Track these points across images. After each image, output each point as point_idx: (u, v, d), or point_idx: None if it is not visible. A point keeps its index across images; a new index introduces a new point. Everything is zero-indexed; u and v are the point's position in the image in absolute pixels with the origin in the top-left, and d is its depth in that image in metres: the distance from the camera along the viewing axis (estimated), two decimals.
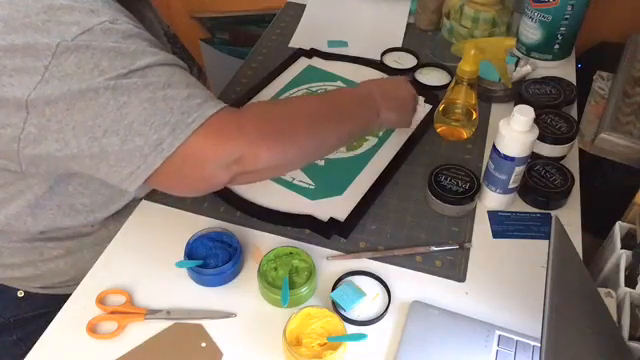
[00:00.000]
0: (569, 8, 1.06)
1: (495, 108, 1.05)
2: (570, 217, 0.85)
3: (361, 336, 0.67)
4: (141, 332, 0.70)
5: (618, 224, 0.91)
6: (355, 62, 1.15)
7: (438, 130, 0.99)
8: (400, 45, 1.20)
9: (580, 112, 1.12)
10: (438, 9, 1.23)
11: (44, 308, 0.84)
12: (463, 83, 0.91)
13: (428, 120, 1.00)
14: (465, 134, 0.97)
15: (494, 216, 0.85)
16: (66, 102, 0.60)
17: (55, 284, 0.86)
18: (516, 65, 1.08)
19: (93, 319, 0.71)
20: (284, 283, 0.72)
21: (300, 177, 0.90)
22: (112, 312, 0.72)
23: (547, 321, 0.51)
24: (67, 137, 0.62)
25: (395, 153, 0.94)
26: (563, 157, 0.93)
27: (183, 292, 0.75)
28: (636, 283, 0.80)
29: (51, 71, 0.60)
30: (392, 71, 1.12)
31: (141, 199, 0.87)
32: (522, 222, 0.84)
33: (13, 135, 0.63)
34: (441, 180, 0.85)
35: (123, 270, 0.77)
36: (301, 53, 1.16)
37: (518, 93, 1.00)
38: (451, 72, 1.10)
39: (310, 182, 0.90)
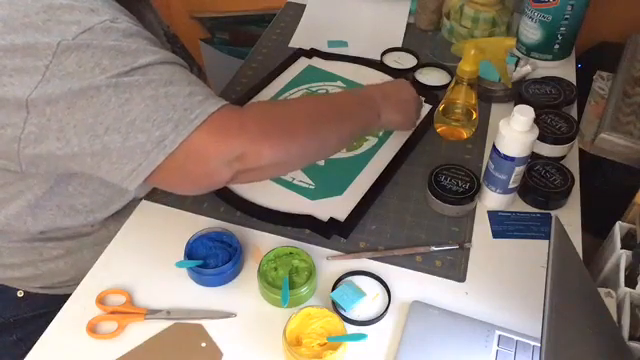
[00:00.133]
0: (569, 8, 1.06)
1: (495, 108, 1.05)
2: (570, 217, 0.85)
3: (361, 336, 0.67)
4: (141, 332, 0.70)
5: (618, 224, 0.91)
6: (355, 62, 1.15)
7: (438, 130, 0.99)
8: (400, 45, 1.20)
9: (580, 112, 1.12)
10: (438, 9, 1.23)
11: (44, 308, 0.84)
12: (463, 83, 0.91)
13: (428, 120, 1.00)
14: (465, 134, 0.97)
15: (494, 216, 0.85)
16: (67, 101, 0.60)
17: (55, 284, 0.86)
18: (516, 65, 1.08)
19: (93, 319, 0.71)
20: (284, 283, 0.72)
21: (300, 177, 0.90)
22: (112, 312, 0.72)
23: (547, 321, 0.51)
24: (68, 136, 0.62)
25: (395, 153, 0.94)
26: (563, 157, 0.93)
27: (183, 292, 0.75)
28: (636, 283, 0.80)
29: (52, 70, 0.60)
30: (392, 71, 1.12)
31: (141, 199, 0.87)
32: (522, 222, 0.84)
33: (13, 135, 0.63)
34: (441, 180, 0.85)
35: (123, 270, 0.77)
36: (301, 53, 1.16)
37: (518, 93, 1.00)
38: (451, 72, 1.10)
39: (310, 182, 0.90)
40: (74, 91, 0.60)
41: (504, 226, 0.84)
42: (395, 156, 0.94)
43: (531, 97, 0.98)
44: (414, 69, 1.12)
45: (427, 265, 0.79)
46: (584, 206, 0.87)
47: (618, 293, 0.80)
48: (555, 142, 0.90)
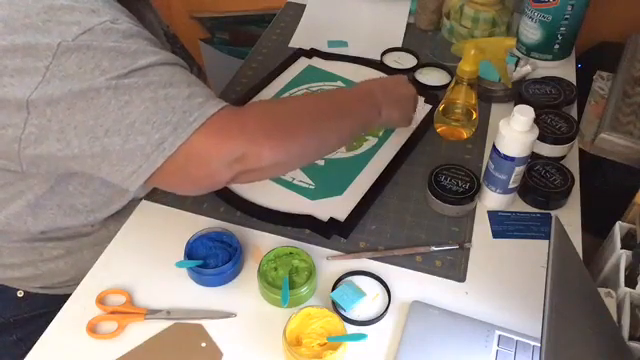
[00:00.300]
0: (569, 8, 1.06)
1: (495, 108, 1.05)
2: (570, 217, 0.85)
3: (361, 336, 0.67)
4: (141, 332, 0.70)
5: (618, 224, 0.91)
6: (355, 62, 1.15)
7: (438, 130, 0.99)
8: (400, 45, 1.20)
9: (580, 112, 1.12)
10: (438, 9, 1.23)
11: (44, 308, 0.84)
12: (463, 83, 0.91)
13: (428, 120, 1.00)
14: (465, 134, 0.97)
15: (494, 216, 0.85)
16: (67, 102, 0.60)
17: (55, 284, 0.86)
18: (516, 65, 1.08)
19: (93, 319, 0.71)
20: (284, 283, 0.72)
21: (300, 177, 0.90)
22: (112, 312, 0.72)
23: (547, 321, 0.51)
24: (68, 137, 0.62)
25: (395, 153, 0.94)
26: (563, 157, 0.93)
27: (183, 292, 0.75)
28: (636, 283, 0.80)
29: (52, 71, 0.60)
30: (392, 71, 1.12)
31: (141, 199, 0.87)
32: (522, 222, 0.84)
33: (14, 135, 0.63)
34: (441, 180, 0.85)
35: (123, 270, 0.77)
36: (301, 53, 1.16)
37: (518, 93, 1.00)
38: (451, 72, 1.10)
39: (310, 182, 0.90)
40: (74, 92, 0.60)
41: (504, 226, 0.84)
42: (395, 156, 0.94)
43: (531, 97, 0.98)
44: (414, 69, 1.12)
45: (427, 265, 0.79)
46: (584, 206, 0.87)
47: (618, 293, 0.80)
48: (555, 142, 0.90)
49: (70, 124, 0.61)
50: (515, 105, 0.79)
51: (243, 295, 0.75)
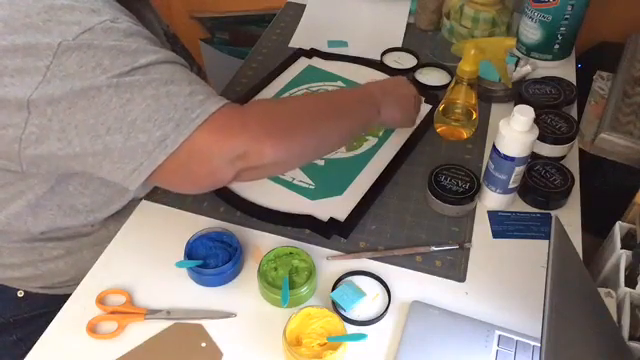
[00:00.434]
0: (569, 8, 1.06)
1: (495, 108, 1.05)
2: (570, 217, 0.85)
3: (361, 336, 0.67)
4: (141, 332, 0.70)
5: (618, 224, 0.91)
6: (355, 62, 1.15)
7: (438, 130, 0.99)
8: (400, 45, 1.20)
9: (580, 112, 1.12)
10: (438, 9, 1.23)
11: (44, 308, 0.84)
12: (463, 83, 0.91)
13: (428, 120, 1.00)
14: (465, 134, 0.97)
15: (494, 216, 0.85)
16: (68, 101, 0.60)
17: (55, 284, 0.86)
18: (516, 65, 1.08)
19: (93, 319, 0.71)
20: (284, 283, 0.72)
21: (300, 177, 0.90)
22: (112, 312, 0.72)
23: (547, 321, 0.51)
24: (70, 136, 0.62)
25: (395, 153, 0.94)
26: (563, 157, 0.93)
27: (183, 292, 0.75)
28: (636, 283, 0.80)
29: (53, 71, 0.60)
30: (392, 71, 1.12)
31: (141, 199, 0.87)
32: (522, 222, 0.84)
33: (14, 135, 0.63)
34: (441, 180, 0.85)
35: (123, 270, 0.77)
36: (301, 53, 1.16)
37: (518, 93, 1.00)
38: (451, 72, 1.10)
39: (310, 182, 0.90)
40: (75, 91, 0.60)
41: (504, 226, 0.84)
42: (395, 156, 0.94)
43: (531, 97, 0.98)
44: (414, 69, 1.12)
45: (427, 265, 0.79)
46: (584, 206, 0.87)
47: (618, 293, 0.80)
48: (555, 142, 0.90)
49: (71, 123, 0.61)
50: (515, 105, 0.79)
51: (243, 295, 0.75)
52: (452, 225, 0.84)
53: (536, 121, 0.77)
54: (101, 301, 0.73)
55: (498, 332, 0.70)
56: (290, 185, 0.89)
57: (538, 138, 0.79)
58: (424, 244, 0.81)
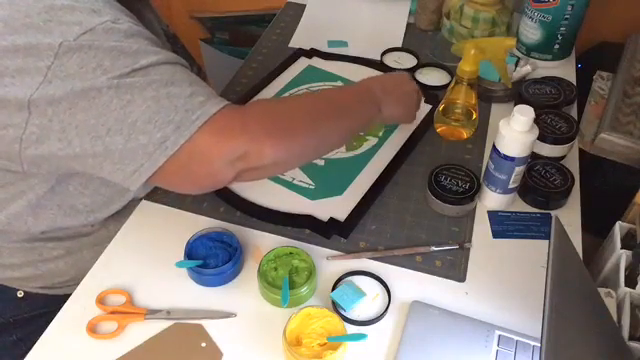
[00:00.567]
0: (569, 8, 1.06)
1: (495, 108, 1.05)
2: (570, 217, 0.85)
3: (361, 336, 0.67)
4: (141, 332, 0.70)
5: (618, 224, 0.91)
6: (355, 62, 1.15)
7: (438, 130, 0.99)
8: (400, 45, 1.20)
9: (580, 112, 1.12)
10: (438, 9, 1.23)
11: (44, 308, 0.84)
12: (463, 83, 0.91)
13: (428, 120, 1.00)
14: (465, 134, 0.97)
15: (494, 216, 0.85)
16: (69, 102, 0.60)
17: (55, 284, 0.86)
18: (516, 65, 1.08)
19: (93, 319, 0.71)
20: (284, 283, 0.72)
21: (300, 177, 0.90)
22: (112, 312, 0.72)
23: (547, 321, 0.51)
24: (70, 136, 0.62)
25: (395, 153, 0.94)
26: (563, 157, 0.93)
27: (183, 292, 0.75)
28: (636, 283, 0.80)
29: (53, 71, 0.60)
30: (392, 71, 1.12)
31: (141, 199, 0.87)
32: (522, 222, 0.84)
33: (15, 135, 0.63)
34: (441, 180, 0.85)
35: (123, 270, 0.77)
36: (301, 53, 1.16)
37: (518, 93, 1.00)
38: (451, 72, 1.10)
39: (310, 182, 0.90)
40: (76, 92, 0.60)
41: (504, 226, 0.84)
42: (395, 156, 0.94)
43: (531, 97, 0.98)
44: (414, 69, 1.12)
45: (427, 265, 0.79)
46: (584, 206, 0.87)
47: (618, 293, 0.80)
48: (555, 142, 0.90)
49: (72, 124, 0.61)
50: (515, 105, 0.79)
51: (243, 295, 0.75)
52: (452, 225, 0.84)
53: (536, 121, 0.77)
54: (101, 301, 0.73)
55: (498, 332, 0.70)
56: (290, 185, 0.89)
57: (538, 138, 0.79)
58: (424, 244, 0.81)
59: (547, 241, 0.58)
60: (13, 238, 0.80)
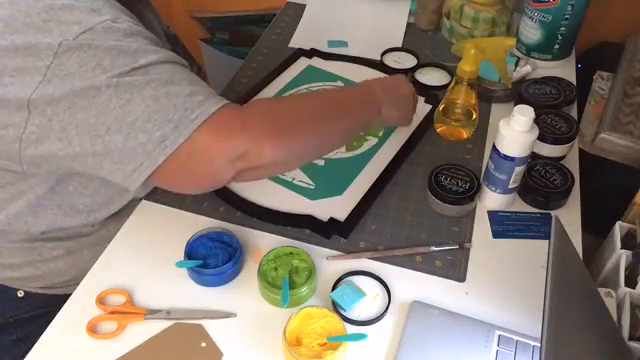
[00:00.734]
0: (569, 8, 1.06)
1: (495, 108, 1.05)
2: (570, 217, 0.85)
3: (361, 336, 0.67)
4: (141, 332, 0.70)
5: (618, 224, 0.91)
6: (355, 62, 1.15)
7: (438, 130, 0.99)
8: (400, 45, 1.20)
9: (580, 112, 1.12)
10: (438, 9, 1.23)
11: (44, 308, 0.84)
12: (463, 83, 0.91)
13: (428, 120, 1.00)
14: (465, 134, 0.97)
15: (494, 216, 0.85)
16: (68, 101, 0.60)
17: (55, 284, 0.86)
18: (516, 65, 1.08)
19: (93, 319, 0.71)
20: (284, 283, 0.72)
21: (300, 177, 0.90)
22: (112, 312, 0.72)
23: (547, 321, 0.51)
24: (70, 136, 0.62)
25: (395, 153, 0.94)
26: (563, 157, 0.93)
27: (183, 292, 0.75)
28: (636, 283, 0.80)
29: (53, 70, 0.60)
30: (392, 71, 1.12)
31: (141, 199, 0.87)
32: (522, 222, 0.84)
33: (15, 135, 0.63)
34: (441, 180, 0.85)
35: (123, 270, 0.77)
36: (301, 53, 1.16)
37: (518, 93, 1.00)
38: (451, 72, 1.10)
39: (310, 182, 0.90)
40: (75, 91, 0.60)
41: (504, 226, 0.84)
42: (395, 156, 0.94)
43: (531, 97, 0.98)
44: (414, 69, 1.12)
45: (427, 265, 0.79)
46: (584, 206, 0.87)
47: (618, 293, 0.80)
48: (555, 142, 0.90)
49: (71, 123, 0.61)
50: (515, 105, 0.79)
51: (243, 295, 0.75)
52: (452, 225, 0.84)
53: (536, 121, 0.77)
54: (101, 301, 0.73)
55: (498, 332, 0.70)
56: (290, 185, 0.89)
57: (538, 138, 0.79)
58: (424, 244, 0.81)
59: (547, 241, 0.58)
60: (13, 238, 0.80)
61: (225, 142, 0.64)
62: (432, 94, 1.06)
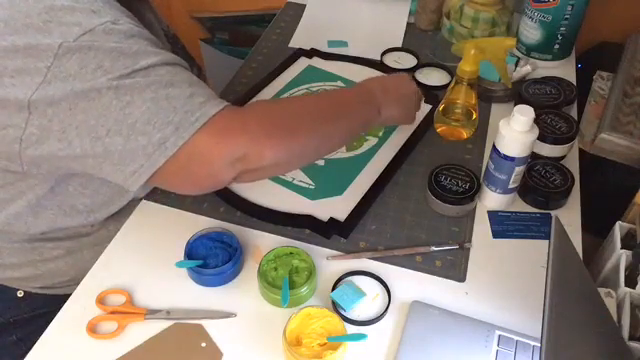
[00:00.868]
0: (569, 8, 1.06)
1: (495, 108, 1.05)
2: (570, 217, 0.85)
3: (361, 336, 0.67)
4: (141, 332, 0.70)
5: (618, 224, 0.91)
6: (355, 62, 1.15)
7: (438, 130, 0.99)
8: (400, 45, 1.20)
9: (580, 112, 1.12)
10: (438, 9, 1.23)
11: (44, 308, 0.84)
12: (463, 83, 0.91)
13: (428, 120, 1.00)
14: (465, 134, 0.97)
15: (494, 216, 0.85)
16: (69, 102, 0.61)
17: (55, 284, 0.86)
18: (516, 65, 1.08)
19: (93, 319, 0.71)
20: (284, 283, 0.72)
21: (300, 177, 0.90)
22: (112, 312, 0.72)
23: (547, 321, 0.51)
24: (70, 137, 0.62)
25: (395, 153, 0.94)
26: (563, 157, 0.93)
27: (183, 292, 0.75)
28: (636, 283, 0.80)
29: (53, 72, 0.60)
30: (392, 71, 1.12)
31: (141, 199, 0.87)
32: (522, 222, 0.84)
33: (15, 136, 0.63)
34: (441, 180, 0.85)
35: (123, 270, 0.77)
36: (301, 53, 1.16)
37: (518, 93, 1.00)
38: (451, 72, 1.10)
39: (310, 182, 0.90)
40: (76, 92, 0.60)
41: (504, 226, 0.84)
42: (395, 156, 0.94)
43: (531, 97, 0.98)
44: (414, 69, 1.12)
45: (427, 265, 0.79)
46: (584, 206, 0.87)
47: (618, 293, 0.80)
48: (555, 142, 0.90)
49: (71, 124, 0.61)
50: (515, 105, 0.79)
51: (243, 295, 0.75)
52: (452, 225, 0.84)
53: (536, 121, 0.77)
54: (101, 301, 0.73)
55: (498, 332, 0.70)
56: (290, 185, 0.89)
57: (538, 138, 0.79)
58: (424, 244, 0.81)
59: (547, 241, 0.58)
60: (13, 238, 0.80)
61: (225, 144, 0.64)
62: (432, 94, 1.06)
